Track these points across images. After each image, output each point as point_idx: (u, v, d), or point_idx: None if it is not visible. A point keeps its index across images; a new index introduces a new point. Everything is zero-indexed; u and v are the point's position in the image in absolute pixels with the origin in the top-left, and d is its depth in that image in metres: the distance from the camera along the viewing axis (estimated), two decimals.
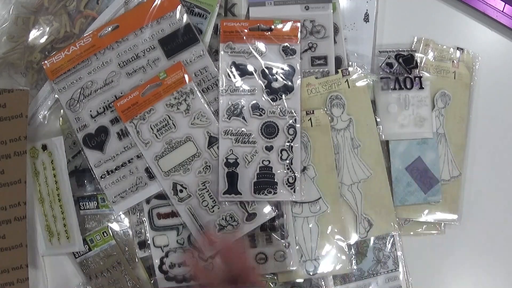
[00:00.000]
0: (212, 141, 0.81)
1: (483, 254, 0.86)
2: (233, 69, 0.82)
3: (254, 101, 0.82)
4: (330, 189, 0.83)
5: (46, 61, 0.81)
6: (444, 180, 0.85)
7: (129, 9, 0.83)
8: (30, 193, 0.82)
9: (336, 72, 0.84)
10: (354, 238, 0.83)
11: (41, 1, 0.83)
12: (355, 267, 0.83)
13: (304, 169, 0.83)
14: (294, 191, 0.81)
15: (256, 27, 0.83)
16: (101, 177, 0.81)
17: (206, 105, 0.81)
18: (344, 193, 0.83)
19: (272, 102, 0.82)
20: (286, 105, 0.82)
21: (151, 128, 0.81)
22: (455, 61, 0.87)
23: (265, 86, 0.82)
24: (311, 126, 0.83)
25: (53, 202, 0.82)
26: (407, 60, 0.85)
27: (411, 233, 0.86)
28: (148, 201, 0.82)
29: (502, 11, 0.87)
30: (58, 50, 0.82)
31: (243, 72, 0.82)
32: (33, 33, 0.83)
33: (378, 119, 0.84)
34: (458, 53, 0.87)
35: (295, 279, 0.82)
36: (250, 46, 0.82)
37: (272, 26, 0.82)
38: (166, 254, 0.82)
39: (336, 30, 0.85)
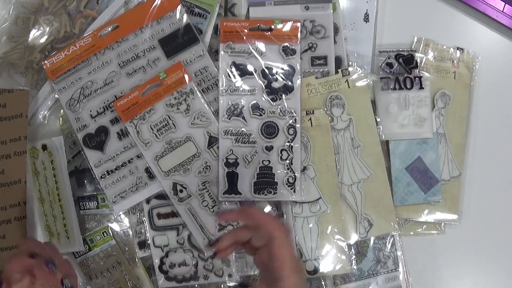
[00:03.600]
0: (212, 141, 0.81)
1: (483, 254, 0.86)
2: (233, 69, 0.82)
3: (254, 101, 0.82)
4: (330, 189, 0.83)
5: (46, 61, 0.81)
6: (444, 180, 0.85)
7: (129, 9, 0.83)
8: (30, 193, 0.82)
9: (336, 72, 0.84)
10: (354, 238, 0.83)
11: (41, 1, 0.83)
12: (355, 267, 0.83)
13: (304, 169, 0.83)
14: (294, 191, 0.81)
15: (256, 27, 0.83)
16: (101, 177, 0.81)
17: (206, 105, 0.81)
18: (344, 193, 0.83)
19: (272, 102, 0.82)
20: (286, 105, 0.82)
21: (151, 128, 0.81)
22: (455, 61, 0.87)
23: (265, 86, 0.82)
24: (311, 126, 0.83)
25: (53, 202, 0.82)
26: (407, 60, 0.85)
27: (411, 233, 0.86)
28: (148, 201, 0.82)
29: (502, 11, 0.87)
30: (58, 50, 0.82)
31: (243, 72, 0.82)
32: (33, 33, 0.83)
33: (378, 119, 0.84)
34: (458, 53, 0.87)
35: None
36: (250, 46, 0.82)
37: (272, 26, 0.82)
38: (166, 254, 0.82)
39: (336, 30, 0.85)
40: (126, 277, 0.83)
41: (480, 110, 0.88)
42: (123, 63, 0.82)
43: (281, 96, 0.82)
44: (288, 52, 0.82)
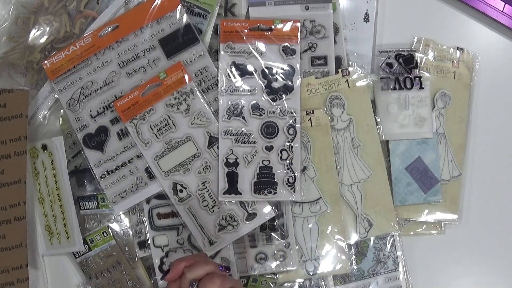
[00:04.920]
0: (212, 141, 0.81)
1: (483, 254, 0.86)
2: (233, 69, 0.82)
3: (254, 101, 0.82)
4: (330, 189, 0.83)
5: (46, 61, 0.81)
6: (444, 180, 0.85)
7: (129, 9, 0.83)
8: (30, 193, 0.82)
9: (336, 72, 0.84)
10: (354, 238, 0.83)
11: (41, 1, 0.83)
12: (355, 267, 0.83)
13: (304, 169, 0.83)
14: (294, 191, 0.81)
15: (256, 27, 0.83)
16: (101, 177, 0.81)
17: (206, 105, 0.81)
18: (344, 193, 0.83)
19: (272, 102, 0.82)
20: (286, 105, 0.82)
21: (151, 128, 0.81)
22: (455, 61, 0.87)
23: (265, 86, 0.82)
24: (311, 126, 0.83)
25: (53, 202, 0.82)
26: (407, 60, 0.85)
27: (411, 233, 0.86)
28: (148, 201, 0.82)
29: (502, 11, 0.87)
30: (58, 50, 0.82)
31: (243, 72, 0.82)
32: (33, 33, 0.83)
33: (378, 119, 0.84)
34: (458, 53, 0.87)
35: (295, 279, 0.82)
36: (250, 46, 0.82)
37: (272, 26, 0.82)
38: (166, 254, 0.82)
39: (336, 30, 0.85)
40: (126, 277, 0.83)
41: (480, 110, 0.88)
42: (123, 63, 0.82)
43: (281, 96, 0.82)
44: (288, 52, 0.82)
